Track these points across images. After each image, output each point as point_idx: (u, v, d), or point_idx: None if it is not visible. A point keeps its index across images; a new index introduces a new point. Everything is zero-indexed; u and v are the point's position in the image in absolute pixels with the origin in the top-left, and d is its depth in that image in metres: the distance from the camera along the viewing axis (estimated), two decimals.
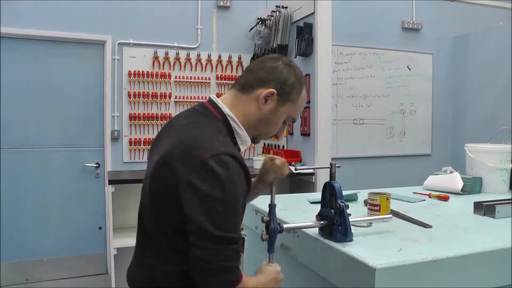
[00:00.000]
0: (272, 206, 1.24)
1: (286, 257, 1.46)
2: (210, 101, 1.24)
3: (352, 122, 4.41)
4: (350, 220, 1.20)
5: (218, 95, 1.26)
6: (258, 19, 3.88)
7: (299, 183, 3.55)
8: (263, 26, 3.77)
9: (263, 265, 1.23)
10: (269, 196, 1.30)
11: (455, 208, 1.76)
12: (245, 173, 1.11)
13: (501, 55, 4.16)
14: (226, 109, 1.20)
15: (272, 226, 1.22)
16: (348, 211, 1.21)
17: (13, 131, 3.54)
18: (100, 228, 3.80)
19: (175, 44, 3.89)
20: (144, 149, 3.80)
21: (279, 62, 1.23)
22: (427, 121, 4.76)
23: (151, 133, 3.84)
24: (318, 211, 1.30)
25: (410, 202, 1.82)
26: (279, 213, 1.57)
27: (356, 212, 1.56)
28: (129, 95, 3.76)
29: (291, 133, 3.67)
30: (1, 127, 3.50)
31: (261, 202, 1.76)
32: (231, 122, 1.19)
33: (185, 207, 1.04)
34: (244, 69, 1.27)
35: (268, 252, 1.24)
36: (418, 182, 2.23)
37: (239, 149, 1.22)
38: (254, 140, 1.29)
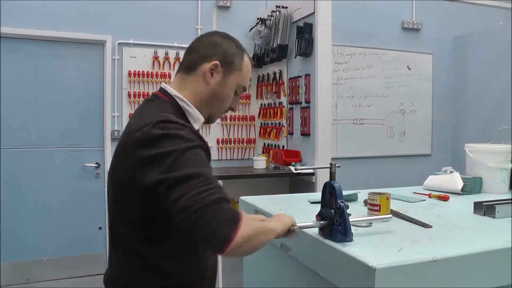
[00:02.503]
0: None
1: (286, 257, 1.46)
2: (160, 89, 1.26)
3: (352, 122, 4.41)
4: (350, 220, 1.20)
5: None
6: (258, 19, 3.88)
7: (299, 183, 3.55)
8: (263, 26, 3.77)
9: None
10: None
11: (455, 208, 1.76)
12: (191, 130, 1.09)
13: (501, 55, 4.17)
14: (172, 91, 1.21)
15: None
16: (348, 211, 1.21)
17: (13, 131, 3.54)
18: (100, 228, 3.80)
19: (175, 44, 3.89)
20: None
21: (215, 36, 1.26)
22: (427, 121, 4.76)
23: None
24: (318, 211, 1.30)
25: (410, 202, 1.82)
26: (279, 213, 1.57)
27: (356, 212, 1.56)
28: (129, 95, 3.76)
29: (291, 133, 3.67)
30: (1, 127, 3.50)
31: (261, 202, 1.77)
32: (180, 102, 1.20)
33: (147, 180, 1.01)
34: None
35: None
36: (418, 182, 2.23)
37: (192, 129, 1.17)
38: (210, 119, 1.29)
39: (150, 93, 3.92)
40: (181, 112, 1.19)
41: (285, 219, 1.16)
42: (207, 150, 1.10)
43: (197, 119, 1.22)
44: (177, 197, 0.95)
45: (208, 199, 0.94)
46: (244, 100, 4.15)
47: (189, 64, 1.23)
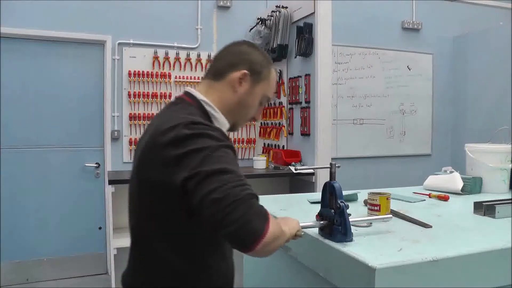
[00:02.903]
0: None
1: (286, 257, 1.46)
2: (186, 92, 1.26)
3: (352, 122, 4.41)
4: (350, 220, 1.20)
5: None
6: (258, 19, 3.88)
7: (299, 183, 3.55)
8: (263, 26, 3.77)
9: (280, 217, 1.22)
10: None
11: (455, 208, 1.76)
12: (220, 132, 1.10)
13: (501, 55, 4.16)
14: (199, 95, 1.21)
15: None
16: (348, 211, 1.21)
17: (13, 131, 3.53)
18: (100, 228, 3.80)
19: (175, 44, 3.89)
20: None
21: (244, 45, 1.29)
22: (427, 121, 4.76)
23: None
24: (318, 211, 1.30)
25: (410, 202, 1.82)
26: (279, 213, 1.58)
27: (356, 212, 1.56)
28: (129, 95, 3.76)
29: (291, 133, 3.67)
30: (1, 127, 3.50)
31: (261, 202, 1.76)
32: (206, 107, 1.20)
33: (177, 178, 1.00)
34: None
35: None
36: (418, 182, 2.23)
37: (221, 130, 1.19)
38: (234, 127, 1.29)
39: (150, 93, 3.93)
40: (207, 116, 1.19)
41: (292, 224, 1.17)
42: (234, 151, 1.10)
43: (223, 124, 1.22)
44: (210, 190, 0.95)
45: (243, 193, 0.95)
46: None
47: (217, 71, 1.24)
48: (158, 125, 1.12)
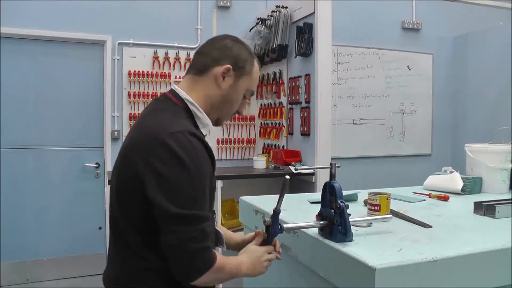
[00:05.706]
0: (276, 213, 1.24)
1: (286, 257, 1.46)
2: (171, 90, 1.27)
3: (352, 122, 4.41)
4: (350, 220, 1.20)
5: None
6: (258, 19, 3.88)
7: (299, 183, 3.55)
8: (263, 26, 3.77)
9: (249, 244, 1.28)
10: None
11: (455, 208, 1.76)
12: (206, 150, 1.13)
13: (501, 55, 4.16)
14: (184, 94, 1.22)
15: (273, 230, 1.24)
16: (348, 211, 1.21)
17: (13, 131, 3.54)
18: (100, 228, 3.80)
19: (175, 44, 3.89)
20: None
21: (227, 40, 1.28)
22: (427, 121, 4.76)
23: None
24: (318, 211, 1.30)
25: (410, 202, 1.82)
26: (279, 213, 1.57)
27: (356, 212, 1.56)
28: (129, 95, 3.76)
29: (291, 133, 3.67)
30: (1, 127, 3.50)
31: (261, 202, 1.77)
32: (190, 106, 1.21)
33: (148, 191, 1.06)
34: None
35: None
36: (418, 182, 2.23)
37: (201, 133, 1.22)
38: (218, 122, 1.31)
39: (150, 93, 3.93)
40: (191, 117, 1.21)
41: (260, 270, 1.24)
42: (210, 152, 1.15)
43: (206, 124, 1.24)
44: (168, 231, 1.05)
45: (193, 247, 1.05)
46: None
47: (201, 66, 1.25)
48: (144, 125, 1.16)
